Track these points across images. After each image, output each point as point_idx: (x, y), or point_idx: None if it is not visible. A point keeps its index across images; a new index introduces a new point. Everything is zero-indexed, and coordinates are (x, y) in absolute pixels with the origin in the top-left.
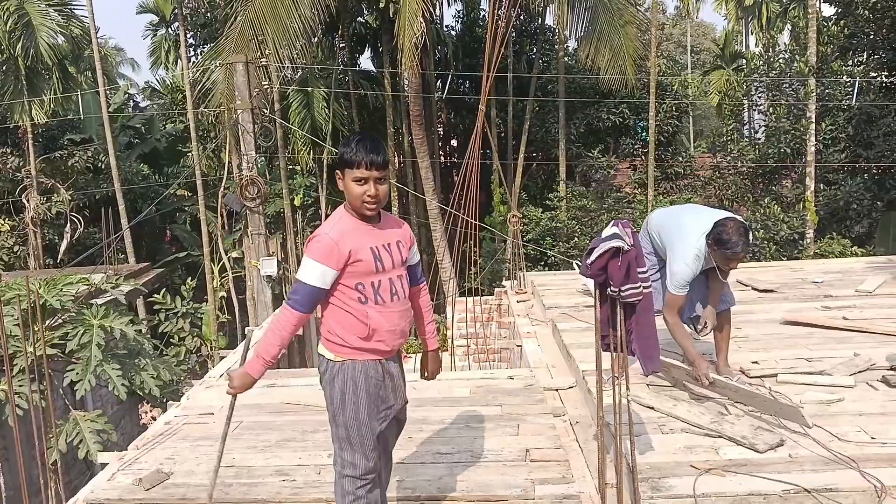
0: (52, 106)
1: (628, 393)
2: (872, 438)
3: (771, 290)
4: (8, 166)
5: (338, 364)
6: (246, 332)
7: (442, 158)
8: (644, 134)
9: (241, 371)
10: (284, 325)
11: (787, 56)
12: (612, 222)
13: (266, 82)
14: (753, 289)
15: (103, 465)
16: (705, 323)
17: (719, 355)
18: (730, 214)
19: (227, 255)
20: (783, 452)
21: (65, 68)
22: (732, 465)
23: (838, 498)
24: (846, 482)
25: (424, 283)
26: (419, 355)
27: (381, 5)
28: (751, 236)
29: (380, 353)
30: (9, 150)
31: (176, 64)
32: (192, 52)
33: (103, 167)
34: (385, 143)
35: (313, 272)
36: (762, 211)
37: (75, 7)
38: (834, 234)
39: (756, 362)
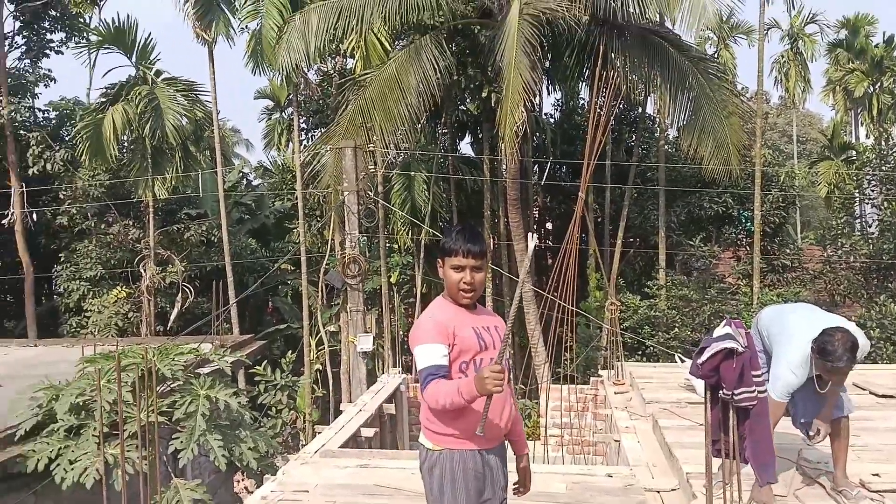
0: (172, 183)
1: (740, 501)
2: None
3: (891, 396)
4: (129, 237)
5: (436, 453)
6: (340, 408)
7: (537, 242)
8: (749, 224)
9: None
10: (437, 393)
11: None
12: (724, 321)
13: (372, 166)
14: (871, 393)
15: None
16: (818, 430)
17: (836, 465)
18: (841, 323)
19: (324, 328)
20: None
21: (187, 148)
22: None
23: None
24: None
25: (512, 380)
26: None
27: (484, 94)
28: (858, 351)
29: (479, 442)
30: (131, 223)
31: (288, 146)
32: (304, 136)
33: (215, 241)
34: (481, 226)
35: (429, 353)
36: (878, 309)
37: (200, 92)
38: None
39: (877, 475)
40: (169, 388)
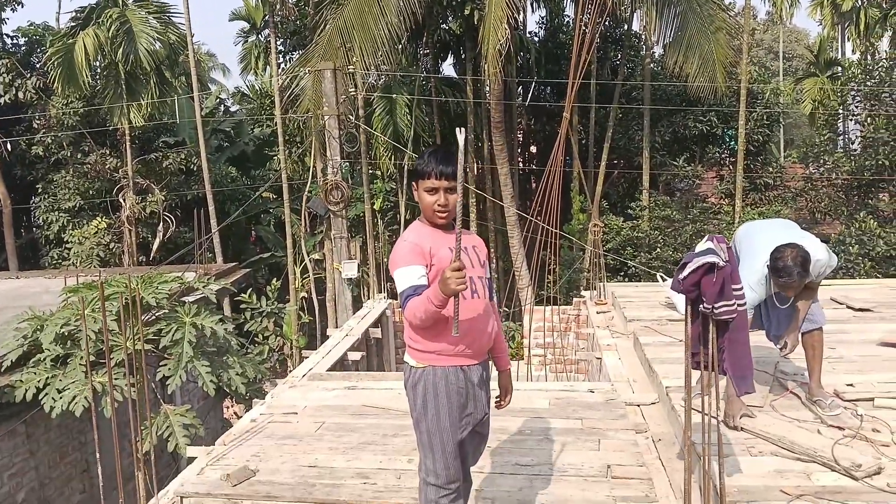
0: (148, 110)
1: (719, 412)
2: None
3: (867, 310)
4: (107, 167)
5: (419, 370)
6: (327, 334)
7: (521, 165)
8: (732, 143)
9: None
10: (414, 307)
11: (887, 64)
12: (706, 237)
13: (352, 89)
14: (848, 307)
15: (190, 459)
16: (785, 343)
17: (812, 377)
18: (802, 240)
19: (309, 256)
20: (881, 481)
21: (161, 73)
22: (825, 492)
23: None
24: None
25: (495, 299)
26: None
27: (466, 12)
28: (816, 265)
29: (462, 358)
30: (108, 152)
31: (265, 70)
32: (282, 59)
33: (195, 169)
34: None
35: (407, 276)
36: (857, 225)
37: (173, 14)
38: None
39: (851, 385)
40: (154, 317)
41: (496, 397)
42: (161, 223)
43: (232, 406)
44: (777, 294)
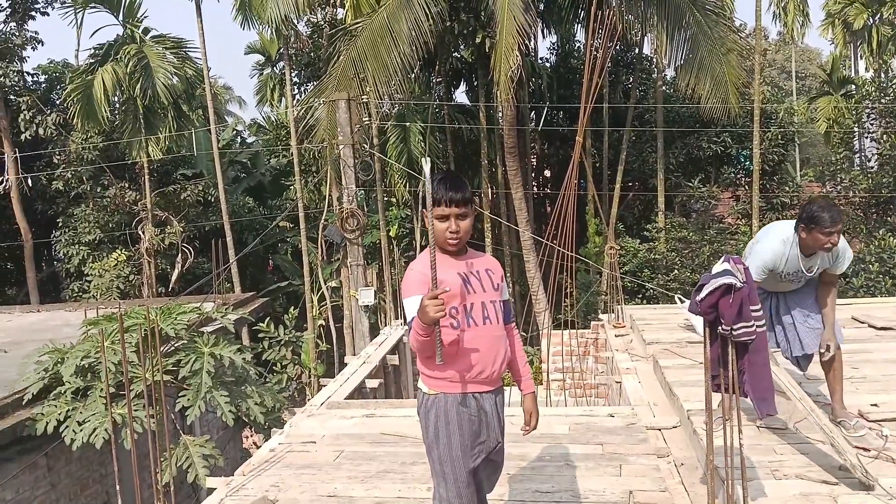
0: (166, 143)
1: (741, 435)
2: None
3: (889, 328)
4: (126, 200)
5: (431, 397)
6: (345, 361)
7: (535, 189)
8: (747, 163)
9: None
10: (416, 345)
11: None
12: (723, 257)
13: (366, 118)
14: (870, 326)
15: (209, 490)
16: (828, 346)
17: (834, 397)
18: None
19: (325, 284)
20: None
21: (179, 107)
22: None
23: None
24: None
25: (514, 322)
26: (511, 389)
27: (477, 40)
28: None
29: (473, 385)
30: (127, 185)
31: (281, 101)
32: (297, 90)
33: (212, 200)
34: (478, 175)
35: (413, 305)
36: (877, 243)
37: (189, 49)
38: None
39: (875, 405)
40: (173, 348)
41: (523, 423)
42: (179, 254)
43: (251, 436)
44: (803, 265)
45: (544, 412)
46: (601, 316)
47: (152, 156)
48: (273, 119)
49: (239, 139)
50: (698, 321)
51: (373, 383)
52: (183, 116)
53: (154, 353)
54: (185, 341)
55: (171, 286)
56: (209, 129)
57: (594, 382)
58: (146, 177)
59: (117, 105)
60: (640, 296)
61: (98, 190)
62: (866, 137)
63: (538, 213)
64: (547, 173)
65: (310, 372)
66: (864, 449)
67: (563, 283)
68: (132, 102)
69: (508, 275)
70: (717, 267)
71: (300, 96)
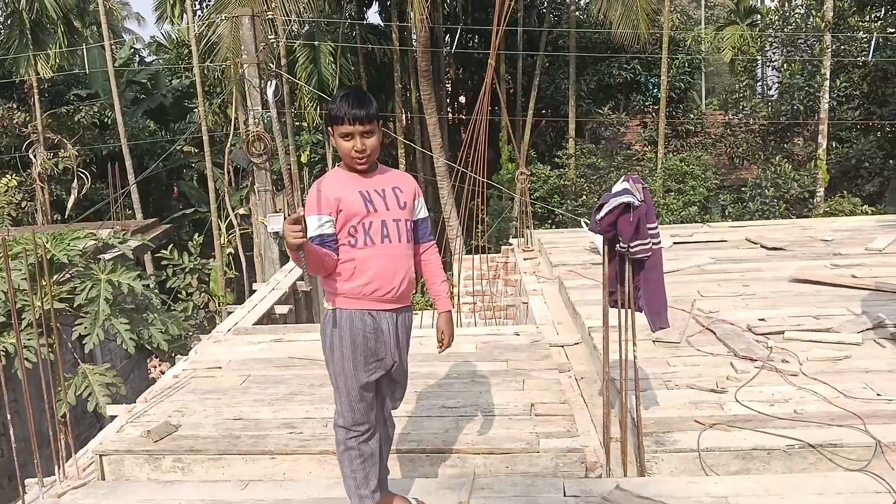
0: (57, 61)
1: (635, 349)
2: (878, 395)
3: (780, 248)
4: (14, 121)
5: (330, 312)
6: (254, 288)
7: (450, 115)
8: (655, 91)
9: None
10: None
11: (802, 11)
12: (622, 178)
13: (272, 36)
14: (762, 247)
15: (112, 418)
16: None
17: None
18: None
19: (234, 211)
20: (789, 408)
21: (70, 22)
22: (737, 420)
23: (842, 453)
24: (850, 438)
25: (433, 240)
26: (423, 312)
27: None
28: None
29: (370, 302)
30: (15, 106)
31: (182, 18)
32: (198, 6)
33: (109, 123)
34: (392, 99)
35: (312, 224)
36: (773, 169)
37: None
38: (845, 192)
39: (763, 319)
40: (68, 276)
41: (437, 342)
42: (76, 180)
43: (159, 366)
44: None
45: (454, 332)
46: (511, 240)
47: (42, 74)
48: (174, 37)
49: (137, 58)
50: (600, 239)
51: (282, 309)
52: (75, 33)
53: (45, 281)
54: (81, 268)
55: (67, 213)
56: (103, 45)
57: (503, 304)
58: (36, 97)
59: (1, 20)
60: (550, 221)
61: None
62: (768, 66)
63: (453, 140)
64: (462, 99)
65: (219, 300)
66: (751, 359)
67: (475, 209)
68: (17, 16)
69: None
70: (617, 186)
71: (202, 12)
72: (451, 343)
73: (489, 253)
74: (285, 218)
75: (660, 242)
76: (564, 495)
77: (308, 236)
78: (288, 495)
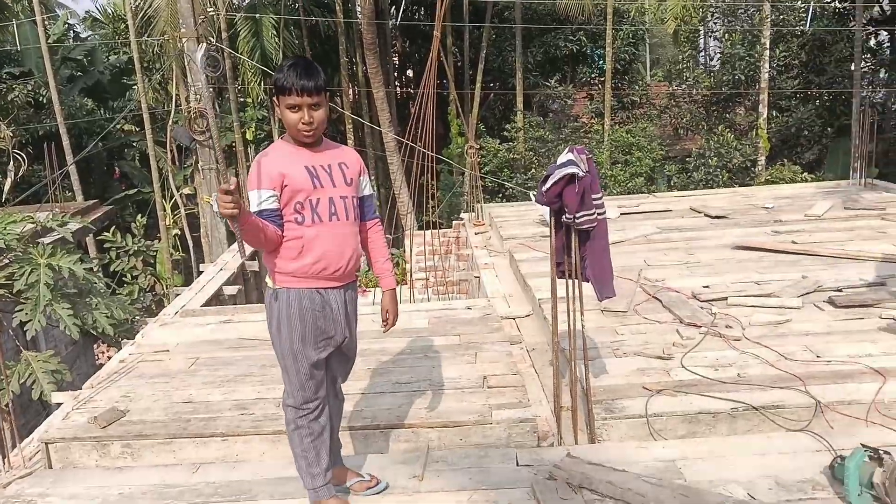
0: None
1: (583, 319)
2: (818, 357)
3: (723, 217)
4: None
5: (275, 291)
6: (201, 269)
7: (398, 89)
8: (601, 62)
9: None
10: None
11: None
12: (567, 149)
13: (211, 8)
14: (706, 215)
15: (59, 406)
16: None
17: None
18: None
19: (178, 191)
20: (732, 372)
21: None
22: (683, 385)
23: (784, 414)
24: (792, 399)
25: (378, 218)
26: (376, 290)
27: None
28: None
29: (318, 280)
30: None
31: None
32: None
33: (45, 102)
34: (338, 73)
35: (255, 199)
36: (716, 139)
37: None
38: (785, 160)
39: (707, 286)
40: (6, 261)
41: (382, 321)
42: (11, 162)
43: (107, 351)
44: None
45: (405, 308)
46: (462, 215)
47: None
48: (109, 11)
49: (72, 34)
50: (549, 213)
51: (231, 290)
52: (5, 8)
53: None
54: (19, 253)
55: (3, 197)
56: (35, 19)
57: (455, 279)
58: None
59: None
60: (500, 195)
61: None
62: (710, 36)
63: (401, 115)
64: (409, 73)
65: (166, 283)
66: (696, 325)
67: (426, 184)
68: None
69: (373, 177)
70: (562, 157)
71: None
72: (395, 321)
73: (441, 228)
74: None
75: (605, 213)
76: (517, 465)
77: (252, 209)
78: (241, 476)
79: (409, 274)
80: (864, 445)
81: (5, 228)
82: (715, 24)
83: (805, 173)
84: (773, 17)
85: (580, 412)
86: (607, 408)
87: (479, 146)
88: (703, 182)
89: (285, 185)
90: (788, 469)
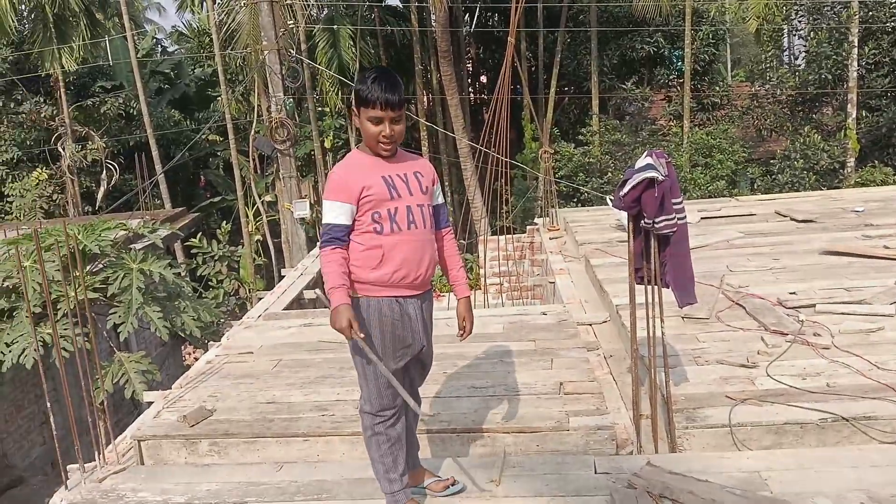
0: (81, 53)
1: (662, 325)
2: None
3: (810, 221)
4: (42, 115)
5: (355, 300)
6: (282, 273)
7: (472, 95)
8: (679, 64)
9: (330, 311)
10: (326, 263)
11: None
12: (646, 153)
13: (291, 21)
14: (792, 219)
15: (149, 405)
16: None
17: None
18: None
19: (260, 198)
20: (821, 382)
21: (91, 14)
22: (769, 395)
23: (877, 426)
24: (885, 410)
25: (450, 227)
26: (451, 295)
27: None
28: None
29: (397, 289)
30: (42, 100)
31: (202, 6)
32: None
33: (135, 114)
34: (413, 81)
35: (331, 211)
36: (802, 140)
37: None
38: (876, 161)
39: (794, 293)
40: (101, 266)
41: (459, 329)
42: (104, 171)
43: (194, 353)
44: None
45: (480, 314)
46: (536, 220)
47: (66, 67)
48: (195, 26)
49: (159, 48)
50: (624, 216)
51: (311, 294)
52: (97, 25)
53: (79, 271)
54: (112, 258)
55: (97, 205)
56: (125, 35)
57: (529, 285)
58: (62, 90)
59: (25, 14)
60: (575, 199)
61: (12, 106)
62: (795, 35)
63: (475, 120)
64: (483, 79)
65: (249, 287)
66: (782, 333)
67: (500, 189)
68: (41, 10)
69: (447, 183)
70: (640, 161)
71: (221, 0)
72: (472, 329)
73: (514, 234)
74: (311, 204)
75: (685, 217)
76: (595, 472)
77: (325, 221)
78: (322, 476)
79: (482, 279)
80: None
81: (100, 235)
82: (799, 21)
83: None
84: (861, 13)
85: (660, 420)
86: (688, 416)
87: (553, 150)
88: (788, 185)
89: (364, 197)
90: (881, 483)
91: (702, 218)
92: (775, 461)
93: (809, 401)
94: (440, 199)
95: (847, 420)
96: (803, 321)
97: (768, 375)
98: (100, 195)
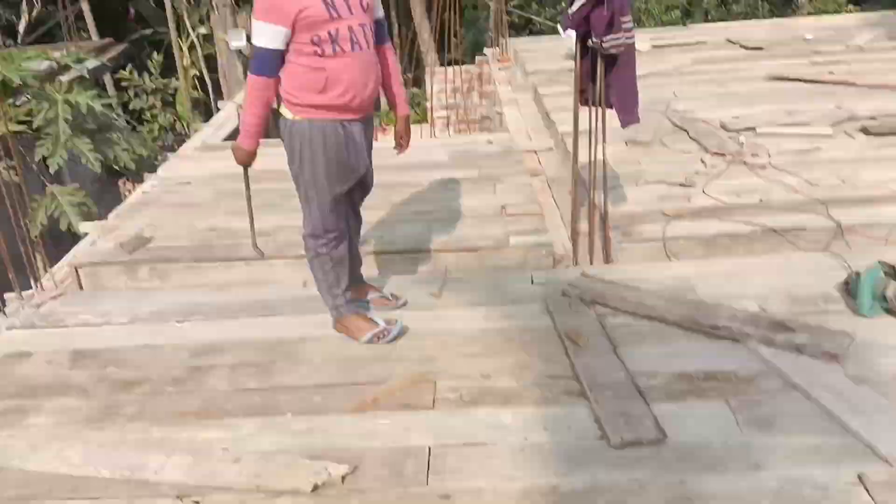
0: None
1: (604, 146)
2: (843, 182)
3: (759, 48)
4: None
5: (295, 123)
6: (219, 106)
7: None
8: None
9: (234, 144)
10: (252, 92)
11: None
12: None
13: None
14: (742, 47)
15: (85, 235)
16: None
17: None
18: None
19: (194, 31)
20: (755, 198)
21: None
22: (704, 211)
23: (804, 237)
24: (813, 222)
25: (390, 42)
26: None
27: None
28: None
29: (340, 112)
30: None
31: None
32: None
33: None
34: None
35: (263, 34)
36: None
37: None
38: None
39: (737, 117)
40: (25, 98)
41: (395, 144)
42: (24, 2)
43: (133, 188)
44: None
45: (427, 143)
46: (486, 51)
47: None
48: None
49: None
50: (572, 34)
51: None
52: None
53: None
54: (36, 90)
55: (20, 39)
56: None
57: (478, 117)
58: None
59: None
60: (527, 30)
61: None
62: None
63: None
64: None
65: (185, 123)
66: (721, 154)
67: (449, 20)
68: None
69: (393, 14)
70: None
71: None
72: (408, 145)
73: (463, 66)
74: (247, 34)
75: (633, 38)
76: (532, 283)
77: (257, 46)
78: (264, 296)
79: (429, 112)
80: (880, 262)
81: (21, 66)
82: None
83: (851, 4)
84: None
85: (597, 236)
86: (624, 232)
87: None
88: (742, 14)
89: (301, 19)
90: (803, 285)
91: (652, 46)
92: (705, 269)
93: (742, 216)
94: (380, 13)
95: (776, 231)
96: (743, 143)
97: (704, 193)
98: (21, 27)
